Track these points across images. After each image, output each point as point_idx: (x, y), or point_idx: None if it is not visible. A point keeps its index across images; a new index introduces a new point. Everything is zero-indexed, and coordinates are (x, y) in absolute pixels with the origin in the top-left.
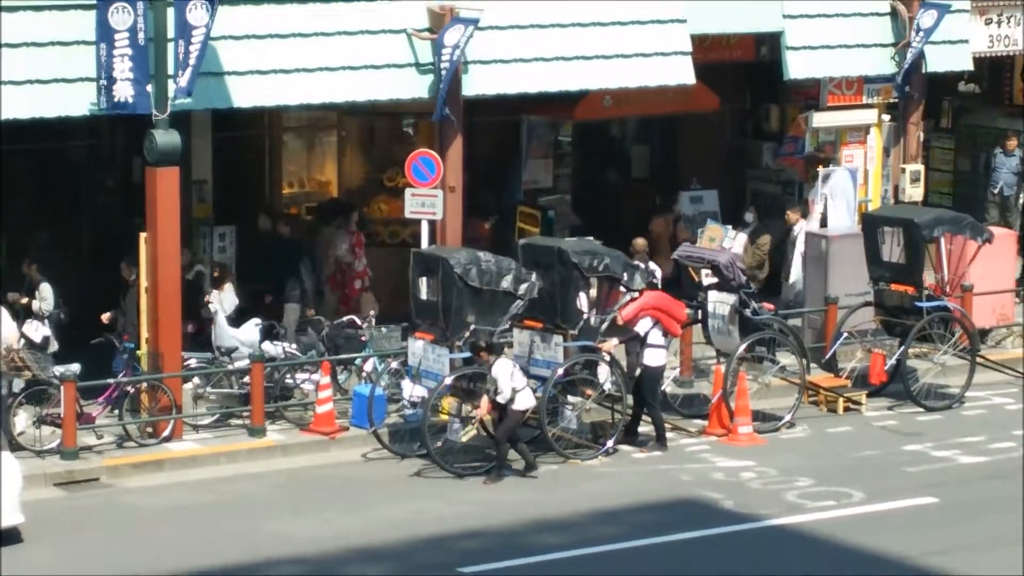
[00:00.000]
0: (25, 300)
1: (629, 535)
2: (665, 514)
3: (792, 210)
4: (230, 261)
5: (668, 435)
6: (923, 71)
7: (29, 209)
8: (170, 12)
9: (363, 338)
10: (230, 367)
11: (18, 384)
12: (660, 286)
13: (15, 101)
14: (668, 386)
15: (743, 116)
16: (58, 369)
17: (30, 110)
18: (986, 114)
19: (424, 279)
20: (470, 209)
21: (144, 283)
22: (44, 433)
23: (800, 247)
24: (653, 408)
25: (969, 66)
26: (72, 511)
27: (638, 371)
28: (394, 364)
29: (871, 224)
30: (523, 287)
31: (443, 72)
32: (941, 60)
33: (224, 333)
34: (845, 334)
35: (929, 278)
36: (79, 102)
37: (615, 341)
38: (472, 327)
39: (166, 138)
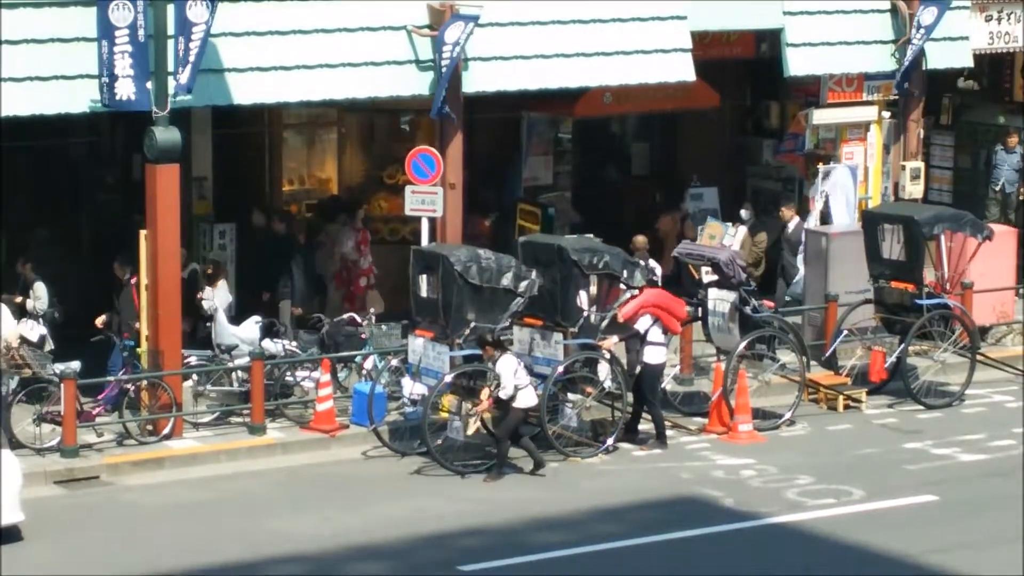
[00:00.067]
0: (20, 299)
1: (629, 533)
2: (665, 512)
3: (786, 207)
4: (226, 258)
5: (668, 433)
6: (923, 68)
7: (29, 206)
8: (170, 9)
9: (363, 336)
10: (230, 365)
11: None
12: (660, 284)
13: (15, 98)
14: (668, 384)
15: (743, 113)
16: (58, 367)
17: (30, 107)
18: (986, 111)
19: (424, 276)
20: (470, 206)
21: (144, 280)
22: (44, 431)
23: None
24: (653, 406)
25: (969, 63)
26: (72, 509)
27: (638, 369)
28: (394, 362)
29: (871, 221)
30: (523, 285)
31: (443, 69)
32: (941, 57)
33: (224, 331)
34: (845, 332)
35: (929, 275)
36: (79, 99)
37: (615, 339)
38: (472, 325)
39: (166, 135)
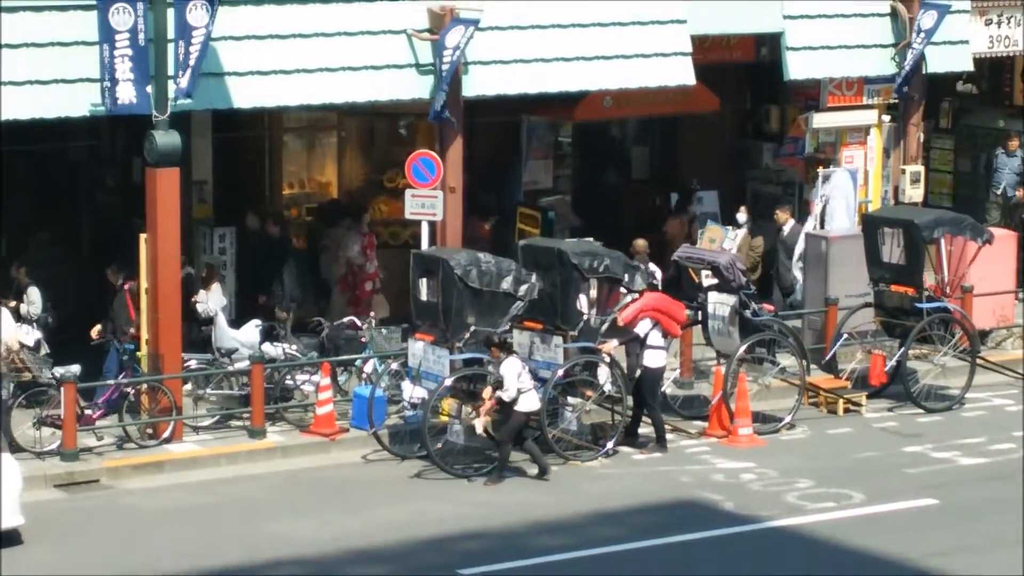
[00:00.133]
0: (13, 303)
1: (629, 537)
2: (665, 515)
3: (781, 209)
4: (220, 262)
5: (668, 436)
6: (923, 72)
7: (29, 209)
8: (170, 13)
9: (363, 339)
10: (230, 368)
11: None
12: (661, 287)
13: (15, 102)
14: (668, 387)
15: (743, 117)
16: (58, 371)
17: (30, 111)
18: (986, 115)
19: (424, 280)
20: (470, 210)
21: (144, 284)
22: (44, 435)
23: (799, 248)
24: (653, 409)
25: (969, 67)
26: (72, 513)
27: (638, 372)
28: (394, 365)
29: (871, 225)
30: (523, 288)
31: (444, 73)
32: (941, 61)
33: (224, 334)
34: (845, 335)
35: (929, 279)
36: (79, 103)
37: (615, 342)
38: (472, 328)
39: (166, 139)
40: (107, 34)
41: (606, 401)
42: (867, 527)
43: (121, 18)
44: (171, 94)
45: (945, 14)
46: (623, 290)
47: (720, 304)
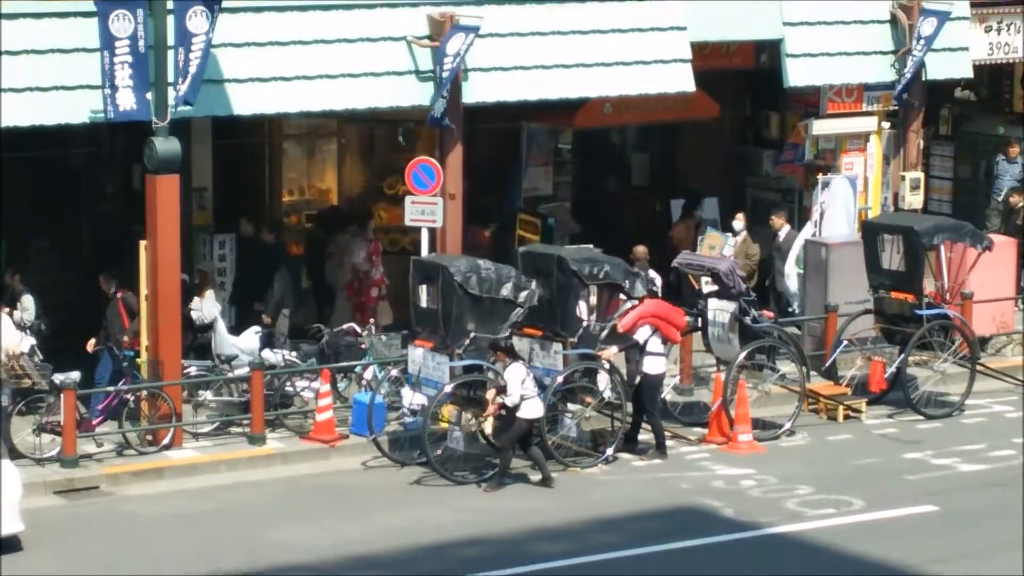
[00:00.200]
0: (7, 310)
1: (629, 543)
2: (665, 522)
3: (776, 215)
4: (213, 269)
5: (668, 443)
6: (923, 79)
7: (29, 216)
8: (170, 20)
9: (363, 346)
10: (230, 375)
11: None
12: (660, 294)
13: (15, 108)
14: (668, 394)
15: (743, 123)
16: (58, 377)
17: (30, 117)
18: (986, 121)
19: (424, 287)
20: (470, 217)
21: (144, 291)
22: (44, 441)
23: (793, 253)
24: (653, 416)
25: (969, 74)
26: (72, 519)
27: (638, 379)
28: (394, 372)
29: (871, 232)
30: (523, 295)
31: (444, 80)
32: (941, 68)
33: (224, 341)
34: (845, 342)
35: (929, 286)
36: (79, 110)
37: (615, 349)
38: (472, 335)
39: (166, 146)
40: (107, 41)
41: (606, 407)
42: (867, 534)
43: (121, 25)
44: (171, 101)
45: (945, 21)
46: (623, 297)
47: (720, 311)
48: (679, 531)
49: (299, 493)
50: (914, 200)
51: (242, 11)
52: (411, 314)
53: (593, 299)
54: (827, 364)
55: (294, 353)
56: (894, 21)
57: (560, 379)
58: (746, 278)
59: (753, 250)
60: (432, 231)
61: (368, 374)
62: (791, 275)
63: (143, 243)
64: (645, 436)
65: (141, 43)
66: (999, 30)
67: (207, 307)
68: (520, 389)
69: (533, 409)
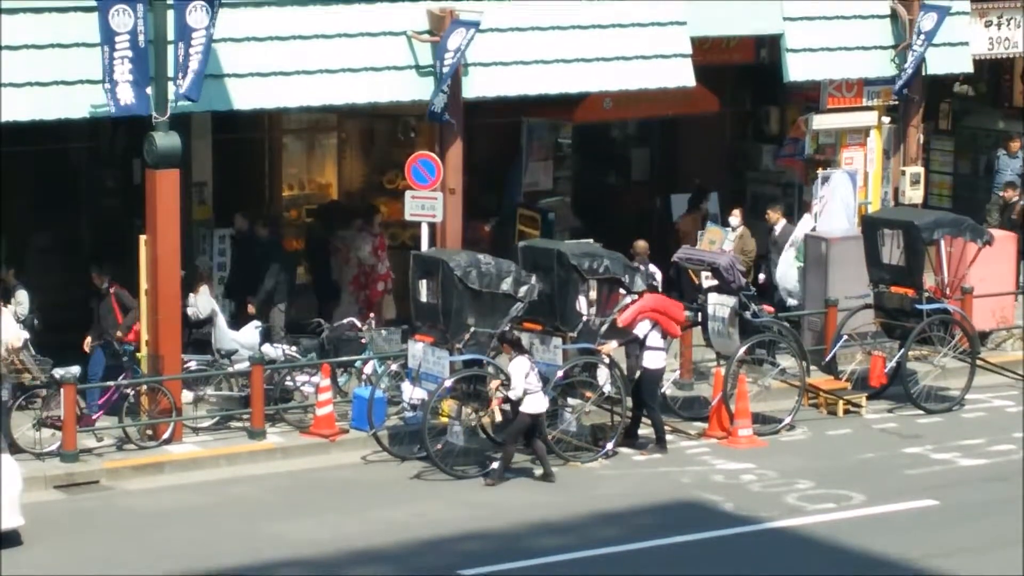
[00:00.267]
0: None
1: (629, 537)
2: (665, 516)
3: (772, 209)
4: (208, 265)
5: (668, 437)
6: (923, 73)
7: (29, 211)
8: (170, 14)
9: (363, 341)
10: (230, 369)
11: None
12: (660, 288)
13: (15, 103)
14: (668, 388)
15: (743, 118)
16: (58, 372)
17: (30, 112)
18: (986, 116)
19: (424, 282)
20: (470, 211)
21: (144, 286)
22: (44, 436)
23: (790, 246)
24: (653, 410)
25: (969, 68)
26: (72, 514)
27: (638, 374)
28: (394, 366)
29: (871, 226)
30: (523, 289)
31: (444, 75)
32: (941, 62)
33: (224, 336)
34: (845, 336)
35: (929, 280)
36: (79, 104)
37: (615, 343)
38: (472, 330)
39: (166, 140)
40: (107, 36)
41: (606, 402)
42: (867, 528)
43: (121, 20)
44: (171, 96)
45: (945, 16)
46: (622, 291)
47: (720, 305)
48: (679, 525)
49: (299, 488)
50: (914, 195)
51: (242, 6)
52: (411, 309)
53: (593, 294)
54: (827, 359)
55: (294, 348)
56: (894, 16)
57: (560, 374)
58: (746, 273)
59: (750, 246)
60: (432, 226)
61: (368, 369)
62: (789, 269)
63: (143, 238)
64: (645, 431)
65: (141, 38)
66: (999, 25)
67: (202, 303)
68: (523, 383)
69: (536, 404)
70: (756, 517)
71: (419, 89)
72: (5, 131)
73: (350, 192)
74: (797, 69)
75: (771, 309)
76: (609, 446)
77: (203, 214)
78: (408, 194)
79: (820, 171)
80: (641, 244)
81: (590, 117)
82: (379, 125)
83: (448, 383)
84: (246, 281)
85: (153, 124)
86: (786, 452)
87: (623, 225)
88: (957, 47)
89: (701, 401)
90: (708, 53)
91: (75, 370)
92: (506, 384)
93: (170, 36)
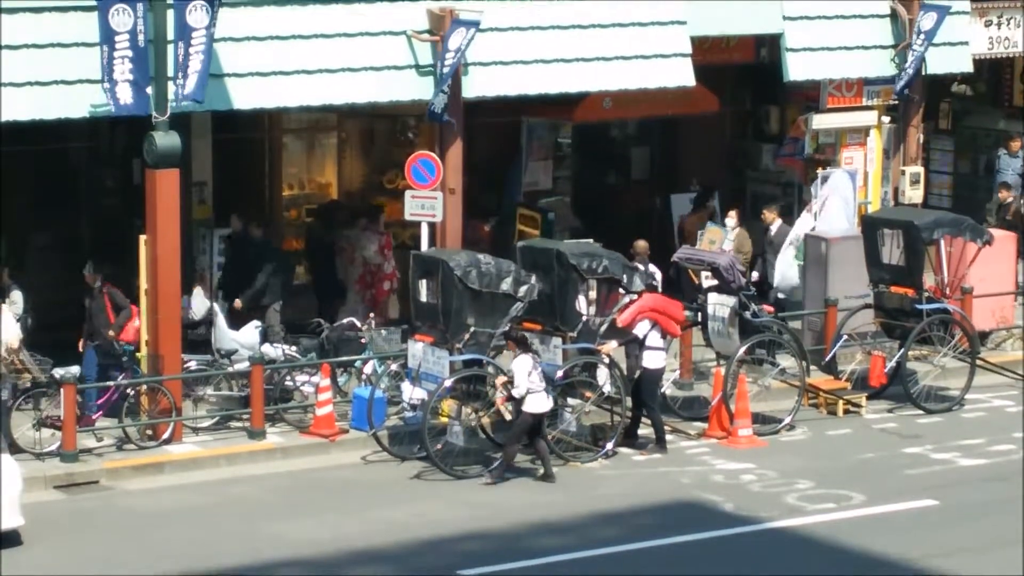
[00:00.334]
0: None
1: (629, 537)
2: (665, 516)
3: (768, 209)
4: (202, 266)
5: (668, 437)
6: (923, 73)
7: (29, 210)
8: (170, 14)
9: (363, 340)
10: (230, 369)
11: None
12: (660, 288)
13: (15, 103)
14: (668, 388)
15: (743, 117)
16: (58, 372)
17: (30, 112)
18: (986, 116)
19: (424, 281)
20: (470, 211)
21: (144, 285)
22: (44, 436)
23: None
24: (652, 410)
25: (969, 68)
26: (72, 514)
27: (637, 373)
28: (394, 366)
29: (871, 226)
30: (523, 289)
31: (444, 75)
32: (941, 62)
33: (224, 335)
34: (845, 336)
35: (929, 280)
36: (79, 104)
37: (614, 343)
38: (472, 329)
39: (166, 140)
40: (107, 35)
41: (605, 402)
42: (867, 528)
43: (121, 19)
44: (170, 95)
45: (945, 15)
46: (622, 291)
47: (720, 305)
48: (679, 525)
49: (299, 488)
50: (914, 195)
51: (242, 5)
52: (411, 308)
53: (592, 293)
54: (827, 359)
55: (294, 348)
56: (894, 15)
57: (560, 374)
58: (745, 273)
59: (746, 246)
60: (432, 225)
61: (368, 369)
62: (789, 268)
63: (143, 238)
64: (645, 431)
65: (141, 37)
66: (999, 24)
67: (196, 304)
68: (527, 381)
69: (538, 403)
70: (756, 517)
71: (419, 89)
72: (5, 130)
73: (350, 192)
74: (797, 68)
75: (771, 309)
76: (609, 446)
77: (203, 214)
78: (408, 194)
79: (820, 171)
80: (641, 244)
81: (590, 117)
82: (379, 125)
83: (448, 383)
84: (240, 282)
85: (153, 124)
86: (786, 452)
87: (623, 225)
88: (957, 47)
89: (701, 401)
90: (708, 53)
91: (75, 370)
92: (511, 382)
93: (170, 36)
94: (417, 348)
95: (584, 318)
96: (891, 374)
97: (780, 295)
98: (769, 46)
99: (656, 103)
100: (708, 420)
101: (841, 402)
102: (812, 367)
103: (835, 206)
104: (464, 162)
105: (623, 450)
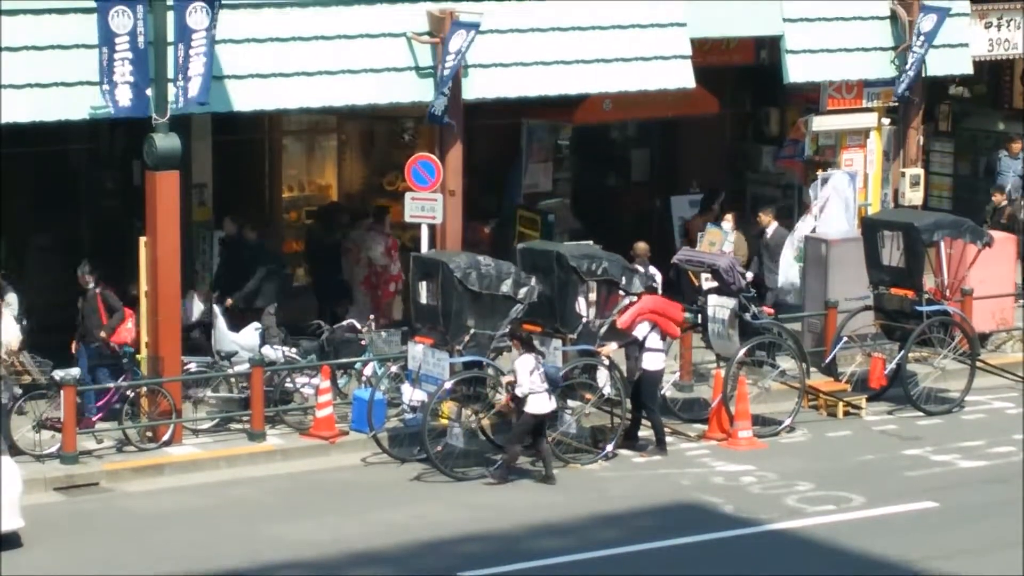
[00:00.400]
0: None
1: (629, 539)
2: (665, 518)
3: (764, 212)
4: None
5: (668, 439)
6: (923, 75)
7: (29, 212)
8: (170, 16)
9: (363, 342)
10: (230, 371)
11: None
12: (660, 290)
13: (15, 105)
14: (668, 390)
15: (743, 119)
16: (58, 374)
17: (30, 114)
18: (986, 118)
19: (424, 283)
20: (470, 213)
21: (144, 287)
22: (44, 437)
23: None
24: (652, 412)
25: (969, 70)
26: (72, 515)
27: (637, 375)
28: (394, 368)
29: (871, 228)
30: (523, 291)
31: (445, 78)
32: (941, 64)
33: (224, 337)
34: (845, 338)
35: (929, 282)
36: (79, 106)
37: (614, 345)
38: (472, 331)
39: (166, 142)
40: (107, 37)
41: (605, 404)
42: (867, 530)
43: (121, 21)
44: (170, 97)
45: (945, 17)
46: (621, 293)
47: (720, 307)
48: (679, 527)
49: (299, 489)
50: (914, 196)
51: (242, 7)
52: (411, 310)
53: (592, 295)
54: (827, 360)
55: (294, 349)
56: (894, 17)
57: (560, 375)
58: (745, 274)
59: (742, 250)
60: (432, 227)
61: (368, 370)
62: (790, 269)
63: (143, 239)
64: (645, 432)
65: (141, 39)
66: (999, 26)
67: (190, 307)
68: (529, 380)
69: (539, 404)
70: (756, 519)
71: (419, 90)
72: (5, 132)
73: (350, 194)
74: (797, 70)
75: (771, 311)
76: (609, 448)
77: (203, 215)
78: (408, 196)
79: (820, 172)
80: (641, 246)
81: (590, 118)
82: (379, 126)
83: (448, 385)
84: (234, 285)
85: (153, 125)
86: (786, 454)
87: (623, 227)
88: (957, 48)
89: (701, 403)
90: (708, 54)
91: (75, 372)
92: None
93: (170, 37)
94: (417, 350)
95: (584, 320)
96: (891, 376)
97: (789, 299)
98: (769, 48)
99: (656, 105)
100: (708, 422)
101: (841, 404)
102: (812, 369)
103: (835, 208)
104: (464, 164)
105: (623, 452)
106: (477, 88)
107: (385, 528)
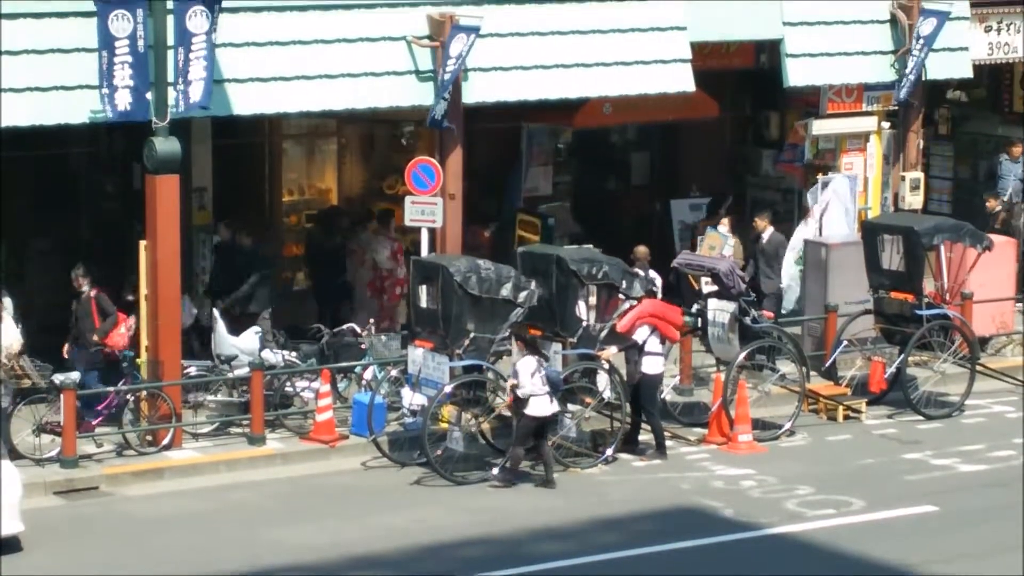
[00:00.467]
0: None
1: (629, 543)
2: (665, 522)
3: (760, 217)
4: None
5: (668, 443)
6: (923, 79)
7: (29, 215)
8: (170, 19)
9: (363, 346)
10: (230, 375)
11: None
12: (660, 294)
13: (15, 108)
14: (668, 394)
15: (743, 123)
16: (58, 377)
17: (30, 117)
18: (986, 122)
19: (424, 287)
20: (470, 217)
21: (144, 291)
22: (44, 441)
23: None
24: (652, 416)
25: (969, 74)
26: (72, 520)
27: (637, 379)
28: (394, 372)
29: (871, 232)
30: (523, 295)
31: (445, 82)
32: (941, 68)
33: (224, 341)
34: (845, 342)
35: (929, 286)
36: (79, 110)
37: (614, 349)
38: (472, 335)
39: (166, 146)
40: (106, 41)
41: (605, 408)
42: (867, 534)
43: (120, 25)
44: (170, 101)
45: (944, 21)
46: (621, 297)
47: (720, 311)
48: (679, 531)
49: (299, 493)
50: (914, 200)
51: (242, 11)
52: (411, 314)
53: (592, 299)
54: (827, 364)
55: (294, 353)
56: (894, 21)
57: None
58: (745, 278)
59: (738, 253)
60: (432, 231)
61: (368, 374)
62: (792, 275)
63: (143, 243)
64: (645, 436)
65: (140, 43)
66: (999, 30)
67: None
68: (530, 381)
69: (540, 407)
70: (756, 523)
71: (419, 94)
72: (5, 136)
73: (350, 197)
74: (797, 74)
75: (771, 315)
76: (609, 452)
77: (203, 219)
78: (408, 199)
79: (820, 176)
80: (641, 249)
81: (590, 122)
82: (379, 130)
83: (448, 389)
84: (228, 290)
85: (153, 129)
86: (786, 458)
87: (623, 230)
88: (957, 52)
89: (701, 407)
90: (708, 58)
91: (75, 375)
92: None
93: (170, 41)
94: (417, 354)
95: (584, 324)
96: (891, 380)
97: (795, 307)
98: (769, 51)
99: (656, 108)
100: (708, 426)
101: (841, 408)
102: (812, 373)
103: (835, 211)
104: (464, 168)
105: (623, 456)
106: (477, 92)
107: (385, 532)
